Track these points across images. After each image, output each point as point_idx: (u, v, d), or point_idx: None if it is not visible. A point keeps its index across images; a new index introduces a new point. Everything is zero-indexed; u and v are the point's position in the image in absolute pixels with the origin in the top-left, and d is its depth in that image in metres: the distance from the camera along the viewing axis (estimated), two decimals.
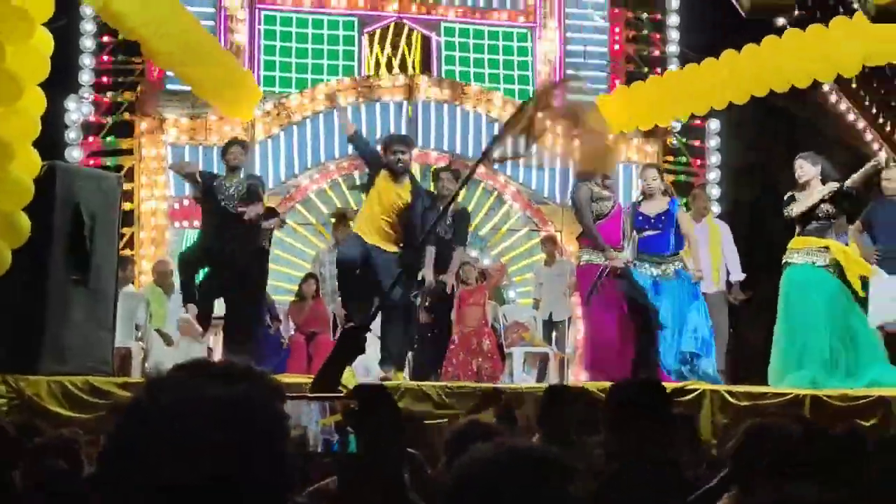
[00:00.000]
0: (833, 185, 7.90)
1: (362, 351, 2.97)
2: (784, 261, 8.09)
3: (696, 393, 7.13)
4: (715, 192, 12.86)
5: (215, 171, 9.22)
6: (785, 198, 8.17)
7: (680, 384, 7.48)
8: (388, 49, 13.27)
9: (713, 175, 13.22)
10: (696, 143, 13.37)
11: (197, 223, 9.30)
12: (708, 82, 11.19)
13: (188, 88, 11.76)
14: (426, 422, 6.69)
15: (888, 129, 13.67)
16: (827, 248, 7.91)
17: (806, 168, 8.00)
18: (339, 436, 1.71)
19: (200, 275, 8.71)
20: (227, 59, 11.17)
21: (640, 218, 8.58)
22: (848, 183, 7.92)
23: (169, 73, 12.27)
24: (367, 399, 1.72)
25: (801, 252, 7.97)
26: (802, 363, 7.79)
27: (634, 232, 8.53)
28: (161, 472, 1.34)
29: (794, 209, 7.99)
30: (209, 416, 1.34)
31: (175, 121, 12.29)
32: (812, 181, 7.97)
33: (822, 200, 7.88)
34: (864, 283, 8.25)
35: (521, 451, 1.65)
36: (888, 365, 7.95)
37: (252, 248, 8.48)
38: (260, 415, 1.38)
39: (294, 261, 11.95)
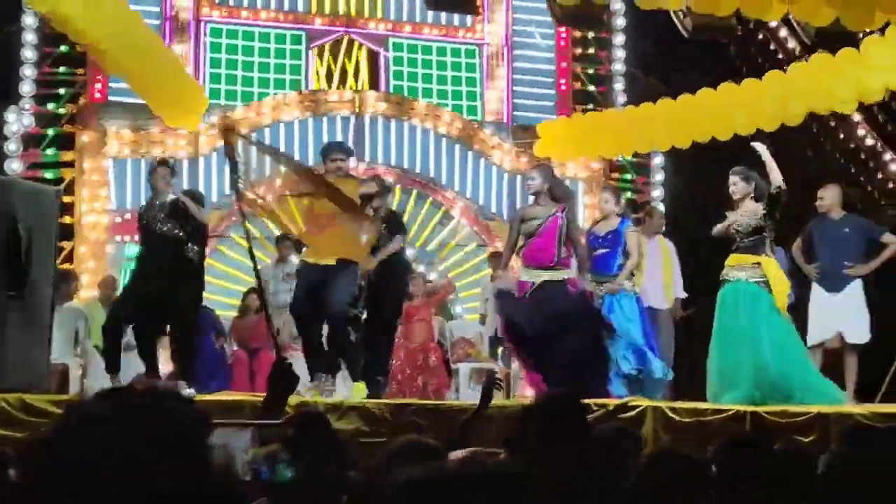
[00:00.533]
0: (757, 207, 7.95)
1: (295, 381, 2.89)
2: (720, 278, 8.16)
3: (638, 409, 7.13)
4: (659, 209, 12.93)
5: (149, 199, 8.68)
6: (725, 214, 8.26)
7: (623, 400, 7.49)
8: (335, 63, 13.22)
9: (657, 192, 13.33)
10: (642, 160, 13.47)
11: (137, 237, 9.00)
12: (646, 128, 11.26)
13: (131, 101, 11.63)
14: (370, 440, 6.60)
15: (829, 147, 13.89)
16: (759, 264, 7.97)
17: (740, 186, 8.05)
18: (269, 465, 1.66)
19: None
20: (175, 65, 11.04)
21: (592, 237, 8.77)
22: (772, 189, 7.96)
23: (112, 86, 12.13)
24: (304, 425, 1.67)
25: (735, 269, 8.04)
26: (736, 382, 7.81)
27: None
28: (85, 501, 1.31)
29: (715, 229, 8.11)
30: (130, 450, 1.31)
31: (117, 133, 12.14)
32: (745, 200, 8.02)
33: (736, 222, 7.97)
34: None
35: (451, 473, 1.62)
36: (820, 381, 8.01)
37: (182, 269, 8.11)
38: (182, 446, 1.34)
39: (237, 275, 11.83)
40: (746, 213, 7.97)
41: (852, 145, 13.86)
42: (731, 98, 10.35)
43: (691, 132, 10.77)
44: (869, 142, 13.76)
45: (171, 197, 8.27)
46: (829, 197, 8.88)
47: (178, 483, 1.33)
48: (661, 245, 10.09)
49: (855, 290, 8.68)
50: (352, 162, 9.06)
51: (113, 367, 7.95)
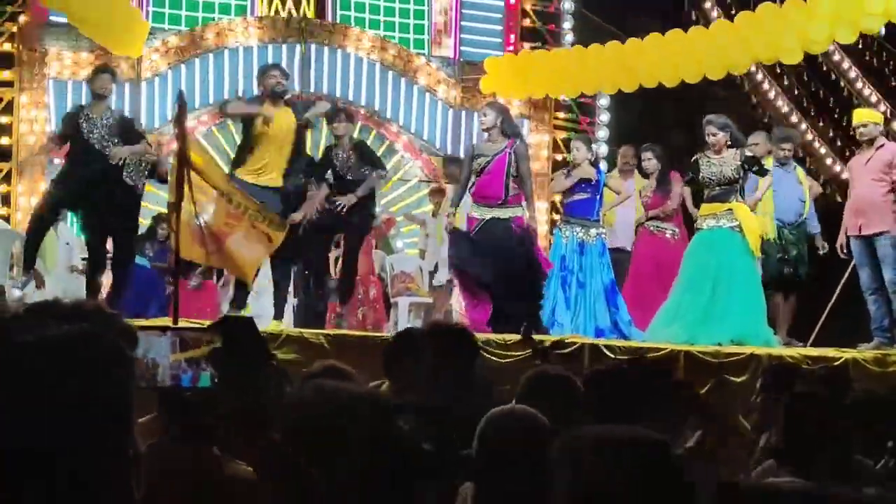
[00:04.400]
0: (735, 155, 8.12)
1: None
2: (695, 227, 8.34)
3: (574, 346, 7.24)
4: (603, 150, 13.02)
5: (82, 103, 8.59)
6: (692, 160, 8.36)
7: (559, 337, 7.60)
8: None
9: (602, 133, 13.37)
10: (587, 100, 13.49)
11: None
12: (593, 69, 11.27)
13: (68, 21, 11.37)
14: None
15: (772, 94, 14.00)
16: (731, 210, 8.14)
17: (720, 136, 8.19)
18: (191, 371, 1.66)
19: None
20: None
21: (576, 184, 8.96)
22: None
23: None
24: (230, 331, 1.68)
25: (709, 217, 8.24)
26: (676, 318, 8.00)
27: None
28: (7, 409, 1.33)
29: (687, 181, 8.43)
30: (49, 354, 1.33)
31: (58, 54, 11.90)
32: (724, 149, 8.16)
33: (711, 172, 8.17)
34: None
35: (336, 392, 1.67)
36: (762, 324, 8.20)
37: (120, 187, 7.90)
38: (101, 352, 1.37)
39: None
40: (725, 161, 8.12)
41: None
42: (679, 45, 10.39)
43: (638, 77, 10.81)
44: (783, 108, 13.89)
45: (114, 111, 8.12)
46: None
47: (87, 389, 1.35)
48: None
49: None
50: (290, 85, 9.00)
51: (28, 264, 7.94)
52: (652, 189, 9.49)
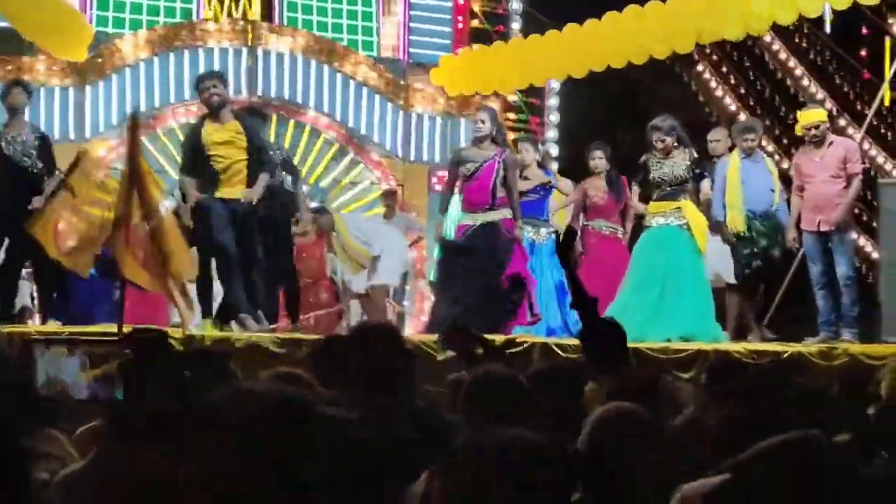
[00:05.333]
0: (684, 155, 8.21)
1: None
2: (644, 225, 8.40)
3: (525, 345, 7.26)
4: (553, 150, 13.08)
5: None
6: (640, 161, 8.40)
7: (511, 336, 7.62)
8: None
9: (552, 133, 13.44)
10: (536, 101, 13.55)
11: None
12: (548, 55, 11.28)
13: (6, 26, 11.24)
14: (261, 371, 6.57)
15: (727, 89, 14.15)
16: (679, 208, 8.22)
17: (668, 141, 8.23)
18: (105, 386, 1.65)
19: None
20: None
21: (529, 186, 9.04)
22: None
23: None
24: (142, 347, 1.67)
25: (658, 216, 8.30)
26: (624, 318, 7.98)
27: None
28: None
29: (636, 182, 8.51)
30: None
31: None
32: (673, 151, 8.23)
33: (663, 173, 8.24)
34: None
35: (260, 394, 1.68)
36: (710, 321, 8.26)
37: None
38: None
39: None
40: (676, 162, 8.22)
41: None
42: (617, 26, 10.44)
43: (588, 59, 10.83)
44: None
45: (34, 128, 8.19)
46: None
47: None
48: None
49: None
50: (232, 91, 8.90)
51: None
52: (604, 190, 9.46)
